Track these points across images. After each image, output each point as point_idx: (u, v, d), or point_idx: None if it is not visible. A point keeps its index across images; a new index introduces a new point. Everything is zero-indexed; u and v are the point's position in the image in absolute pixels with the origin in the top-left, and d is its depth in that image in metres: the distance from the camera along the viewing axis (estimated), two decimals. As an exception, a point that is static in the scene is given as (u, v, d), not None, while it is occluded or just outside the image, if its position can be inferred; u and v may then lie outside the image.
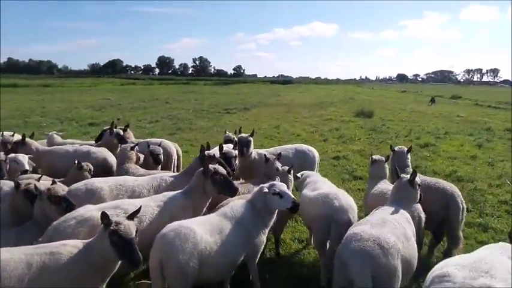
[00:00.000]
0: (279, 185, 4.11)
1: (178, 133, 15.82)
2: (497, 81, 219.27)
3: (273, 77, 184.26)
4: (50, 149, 6.85)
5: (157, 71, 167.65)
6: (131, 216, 3.17)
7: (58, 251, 3.00)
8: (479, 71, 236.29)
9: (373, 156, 5.61)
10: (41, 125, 17.43)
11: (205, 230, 3.63)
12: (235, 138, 7.04)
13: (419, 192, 4.39)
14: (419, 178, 4.49)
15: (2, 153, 5.44)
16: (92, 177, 5.09)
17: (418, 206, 4.49)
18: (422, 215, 4.56)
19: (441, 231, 5.20)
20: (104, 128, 7.63)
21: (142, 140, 7.44)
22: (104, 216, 3.01)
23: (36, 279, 2.85)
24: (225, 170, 4.39)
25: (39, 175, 4.62)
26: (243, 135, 6.02)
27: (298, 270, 5.02)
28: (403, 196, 4.29)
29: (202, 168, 4.27)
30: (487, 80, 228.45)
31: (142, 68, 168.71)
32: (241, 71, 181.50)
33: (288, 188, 4.91)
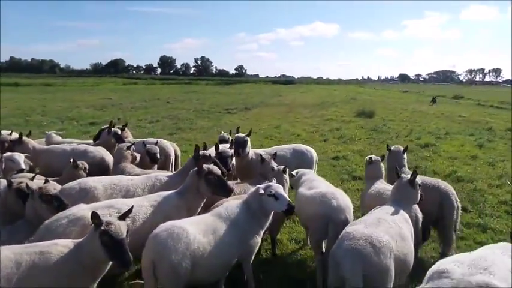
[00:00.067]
0: (275, 187, 4.06)
1: (178, 133, 15.81)
2: (500, 81, 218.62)
3: (275, 77, 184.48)
4: (47, 148, 6.84)
5: (159, 70, 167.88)
6: (123, 216, 3.14)
7: (48, 251, 2.97)
8: (482, 70, 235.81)
9: (370, 157, 5.58)
10: (42, 124, 17.45)
11: (198, 230, 3.60)
12: (230, 138, 7.01)
13: (419, 192, 4.36)
14: (419, 178, 4.46)
15: (-3, 152, 5.42)
16: (88, 176, 5.07)
17: (415, 206, 4.46)
18: (420, 215, 4.53)
19: (429, 230, 5.19)
20: (102, 127, 7.62)
21: (139, 140, 7.40)
22: (95, 216, 2.98)
23: (25, 278, 2.82)
24: (220, 170, 4.34)
25: (33, 174, 4.59)
26: (240, 135, 5.98)
27: (294, 271, 4.98)
28: (403, 196, 4.25)
29: (196, 168, 4.24)
30: (490, 80, 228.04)
31: (144, 67, 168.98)
32: (243, 71, 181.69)
33: (283, 187, 4.90)
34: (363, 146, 13.32)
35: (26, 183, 3.86)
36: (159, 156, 6.25)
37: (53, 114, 21.09)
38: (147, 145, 6.31)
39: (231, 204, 4.12)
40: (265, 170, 5.30)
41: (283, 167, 5.21)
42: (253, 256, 4.09)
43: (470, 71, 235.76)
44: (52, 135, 8.33)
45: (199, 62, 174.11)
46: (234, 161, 6.09)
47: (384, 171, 5.53)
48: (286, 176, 5.21)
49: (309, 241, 5.41)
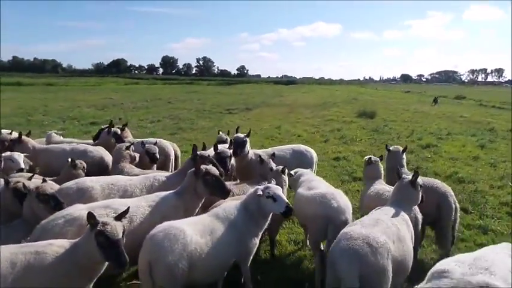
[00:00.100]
0: (273, 188, 4.02)
1: (179, 133, 15.81)
2: (502, 81, 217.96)
3: (277, 77, 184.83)
4: (47, 148, 6.84)
5: (161, 70, 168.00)
6: (119, 217, 3.12)
7: (43, 251, 2.95)
8: (484, 71, 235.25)
9: (369, 157, 5.55)
10: (43, 123, 17.48)
11: (196, 230, 3.57)
12: (228, 139, 6.99)
13: (420, 193, 4.32)
14: (421, 179, 4.43)
15: (-4, 151, 5.42)
16: (87, 176, 5.06)
17: (415, 207, 4.44)
18: (419, 216, 4.52)
19: (424, 230, 5.20)
20: (102, 127, 7.62)
21: (138, 140, 7.39)
22: (91, 216, 2.96)
23: (20, 278, 2.80)
24: (218, 170, 4.31)
25: (31, 174, 4.58)
26: (239, 135, 5.95)
27: (293, 272, 4.96)
28: (404, 197, 4.22)
29: (194, 169, 4.21)
30: (492, 80, 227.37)
31: (146, 67, 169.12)
32: (245, 71, 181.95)
33: (282, 188, 4.87)
34: (364, 147, 13.28)
35: (23, 183, 3.85)
36: (158, 156, 6.24)
37: (54, 114, 21.14)
38: (146, 145, 6.30)
39: (229, 205, 4.09)
40: (264, 170, 5.28)
41: (282, 167, 5.18)
42: (251, 257, 4.07)
43: (473, 71, 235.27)
44: (52, 135, 8.33)
45: (201, 62, 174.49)
46: (233, 161, 6.08)
47: (383, 172, 5.50)
48: (285, 177, 5.18)
49: (308, 242, 5.40)
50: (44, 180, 4.04)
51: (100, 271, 3.17)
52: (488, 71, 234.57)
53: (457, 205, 5.10)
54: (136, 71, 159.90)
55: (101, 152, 6.43)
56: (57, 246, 3.05)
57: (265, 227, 4.19)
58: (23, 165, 5.58)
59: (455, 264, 2.65)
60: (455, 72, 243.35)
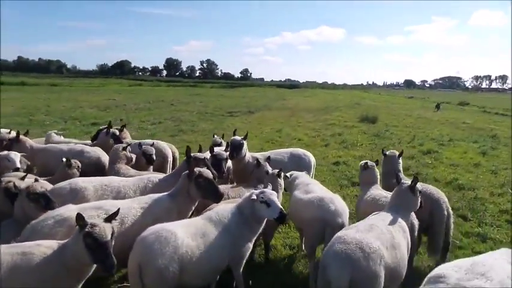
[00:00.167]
0: (268, 193, 3.97)
1: (179, 135, 15.81)
2: (506, 88, 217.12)
3: (280, 81, 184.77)
4: (44, 147, 6.84)
5: (164, 72, 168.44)
6: (109, 219, 3.09)
7: (31, 251, 2.92)
8: (488, 77, 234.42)
9: (365, 162, 5.52)
10: (45, 123, 17.54)
11: (187, 233, 3.54)
12: (223, 142, 6.98)
13: (419, 199, 4.28)
14: (420, 185, 4.39)
15: (-8, 150, 5.42)
16: (85, 176, 5.04)
17: (412, 213, 4.39)
18: (416, 222, 4.48)
19: (420, 237, 5.09)
20: (100, 128, 7.62)
21: (135, 141, 7.37)
22: (79, 217, 2.93)
23: (7, 279, 2.77)
24: (212, 173, 4.27)
25: (24, 173, 4.56)
26: (236, 137, 5.93)
27: (287, 277, 4.91)
28: (402, 202, 4.18)
29: (187, 171, 4.18)
30: (496, 86, 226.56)
31: (150, 69, 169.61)
32: (248, 74, 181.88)
33: (278, 191, 4.86)
34: (365, 152, 13.22)
35: (14, 182, 3.84)
36: (155, 157, 6.22)
37: (56, 114, 21.22)
38: (143, 146, 6.28)
39: (222, 208, 4.05)
40: (260, 174, 5.25)
41: (277, 170, 5.15)
42: (244, 262, 4.02)
43: (477, 78, 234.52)
44: (51, 135, 8.35)
45: (204, 64, 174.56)
46: (230, 164, 6.05)
47: (379, 177, 5.46)
48: (281, 180, 5.14)
49: (303, 246, 5.36)
50: (36, 180, 4.02)
51: (88, 273, 3.14)
52: (493, 77, 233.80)
53: (450, 211, 5.06)
54: (140, 73, 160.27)
55: (98, 152, 6.42)
56: (45, 247, 3.02)
57: (260, 231, 4.15)
58: (19, 165, 5.58)
59: (452, 269, 2.63)
60: (459, 78, 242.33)
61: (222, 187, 5.08)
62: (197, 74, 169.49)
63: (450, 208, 5.09)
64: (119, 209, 3.25)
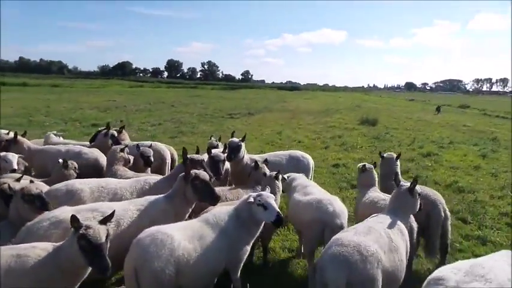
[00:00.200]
0: (265, 196, 3.93)
1: (179, 136, 15.78)
2: (507, 91, 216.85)
3: (281, 83, 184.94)
4: (42, 149, 6.81)
5: (165, 74, 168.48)
6: (104, 221, 3.06)
7: (25, 254, 2.90)
8: (489, 80, 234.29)
9: (363, 164, 5.50)
10: (44, 124, 17.52)
11: (184, 236, 3.50)
12: (219, 144, 6.97)
13: (419, 201, 4.25)
14: (421, 187, 4.36)
15: (-11, 151, 5.39)
16: (82, 178, 5.02)
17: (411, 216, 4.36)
18: (415, 225, 4.45)
19: (418, 240, 5.04)
20: (99, 129, 7.60)
21: (133, 142, 7.34)
22: (74, 219, 2.90)
23: (1, 281, 2.74)
24: (208, 176, 4.23)
25: (20, 175, 4.53)
26: (234, 139, 5.90)
27: (285, 280, 4.87)
28: (401, 205, 4.15)
29: (184, 173, 4.15)
30: (497, 89, 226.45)
31: (151, 70, 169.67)
32: (249, 76, 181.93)
33: (276, 194, 4.82)
34: (364, 154, 13.18)
35: (8, 184, 3.81)
36: (152, 159, 6.19)
37: (56, 115, 21.21)
38: (141, 148, 6.25)
39: (220, 211, 4.02)
40: (258, 176, 5.23)
41: (275, 173, 5.12)
42: (242, 265, 3.98)
43: (477, 81, 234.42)
44: (50, 136, 8.33)
45: (205, 66, 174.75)
46: (228, 165, 6.02)
47: (377, 179, 5.44)
48: (279, 183, 5.11)
49: (302, 249, 5.33)
50: (31, 181, 3.99)
51: (83, 276, 3.11)
52: (493, 80, 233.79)
53: (448, 213, 5.05)
54: (141, 74, 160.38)
55: (95, 153, 6.40)
56: (40, 249, 3.00)
57: (258, 234, 4.12)
58: (15, 166, 5.55)
59: (451, 271, 2.61)
60: (460, 81, 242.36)
61: (219, 189, 5.07)
62: (198, 76, 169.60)
63: (447, 210, 5.07)
64: (114, 211, 3.22)
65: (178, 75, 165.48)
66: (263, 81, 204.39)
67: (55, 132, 8.94)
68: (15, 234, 3.49)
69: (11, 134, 6.89)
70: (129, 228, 3.74)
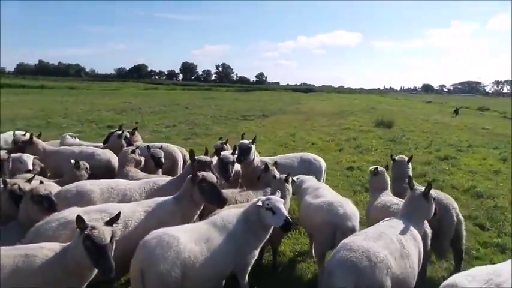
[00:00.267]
0: (274, 200, 3.86)
1: (193, 138, 15.85)
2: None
3: (296, 85, 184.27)
4: (57, 150, 6.90)
5: (180, 76, 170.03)
6: (110, 222, 3.05)
7: (33, 254, 2.91)
8: (510, 82, 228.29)
9: (375, 167, 5.38)
10: (62, 126, 17.86)
11: (191, 238, 3.47)
12: (225, 147, 6.94)
13: (433, 206, 4.12)
14: (434, 191, 4.23)
15: (5, 152, 5.48)
16: (95, 179, 5.05)
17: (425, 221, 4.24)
18: (429, 230, 4.34)
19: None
20: (111, 131, 7.67)
21: (145, 144, 7.38)
22: (80, 220, 2.90)
23: (8, 281, 2.75)
24: (216, 178, 4.18)
25: (31, 175, 4.58)
26: (244, 141, 5.85)
27: (294, 285, 4.80)
28: (415, 210, 4.04)
29: (191, 175, 4.12)
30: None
31: (166, 73, 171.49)
32: (264, 78, 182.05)
33: (285, 197, 4.75)
34: (379, 157, 12.95)
35: (18, 185, 3.85)
36: (163, 160, 6.20)
37: (73, 117, 21.60)
38: (152, 149, 6.27)
39: (227, 213, 3.97)
40: (268, 178, 5.17)
41: (285, 175, 5.05)
42: (249, 268, 3.93)
43: (497, 82, 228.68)
44: (66, 137, 8.46)
45: (220, 68, 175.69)
46: (238, 167, 5.97)
47: (389, 182, 5.33)
48: (289, 185, 5.04)
49: (313, 252, 5.24)
50: (41, 182, 4.02)
51: (89, 277, 3.11)
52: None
53: (461, 218, 4.91)
54: (156, 77, 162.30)
55: (108, 155, 6.45)
56: (48, 249, 3.01)
57: (266, 239, 4.06)
58: (30, 167, 5.64)
59: (465, 278, 2.54)
60: (479, 83, 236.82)
61: (229, 191, 5.04)
62: (213, 78, 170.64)
63: (460, 215, 4.92)
64: (119, 212, 3.21)
65: (193, 77, 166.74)
66: (277, 83, 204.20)
67: (71, 133, 9.08)
68: (25, 235, 3.51)
69: (27, 136, 7.02)
70: (137, 230, 3.73)
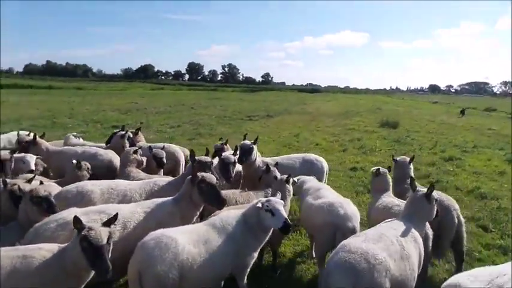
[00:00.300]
0: (273, 202, 3.85)
1: (197, 138, 15.87)
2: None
3: (301, 85, 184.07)
4: (60, 150, 6.95)
5: (187, 77, 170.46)
6: (108, 223, 3.06)
7: (31, 255, 2.93)
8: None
9: (377, 168, 5.35)
10: (67, 126, 17.99)
11: (189, 240, 3.46)
12: (225, 147, 6.95)
13: (435, 208, 4.10)
14: (435, 193, 4.21)
15: (7, 152, 5.54)
16: (97, 179, 5.09)
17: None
18: (430, 232, 4.31)
19: None
20: (114, 131, 7.72)
21: (147, 144, 7.42)
22: (77, 220, 2.92)
23: (6, 282, 2.77)
24: (216, 179, 4.19)
25: (32, 176, 4.62)
26: (246, 142, 5.85)
27: (294, 285, 4.78)
28: (417, 211, 4.02)
29: (191, 175, 4.13)
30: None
31: (172, 73, 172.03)
32: (270, 78, 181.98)
33: (286, 198, 4.75)
34: (383, 158, 12.87)
35: (18, 185, 3.87)
36: (165, 160, 6.22)
37: (79, 117, 21.75)
38: (154, 149, 6.30)
39: (227, 215, 3.96)
40: (269, 179, 5.17)
41: (286, 176, 5.04)
42: (248, 270, 3.92)
43: (505, 83, 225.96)
44: (70, 137, 8.53)
45: (226, 69, 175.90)
46: (239, 168, 5.98)
47: (391, 184, 5.30)
48: (290, 186, 5.03)
49: (313, 254, 5.23)
50: (41, 183, 4.05)
51: (87, 278, 3.12)
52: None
53: (462, 220, 4.87)
54: (163, 77, 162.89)
55: (110, 155, 6.49)
56: (46, 250, 3.02)
57: (266, 240, 4.05)
58: (33, 167, 5.68)
59: (467, 278, 2.53)
60: (486, 83, 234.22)
61: (230, 192, 5.05)
62: (219, 78, 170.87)
63: (461, 216, 4.89)
64: (117, 213, 3.21)
65: (200, 77, 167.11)
66: (283, 83, 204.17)
67: (75, 133, 9.14)
68: (24, 236, 3.54)
69: (31, 136, 7.09)
70: (135, 231, 3.74)
